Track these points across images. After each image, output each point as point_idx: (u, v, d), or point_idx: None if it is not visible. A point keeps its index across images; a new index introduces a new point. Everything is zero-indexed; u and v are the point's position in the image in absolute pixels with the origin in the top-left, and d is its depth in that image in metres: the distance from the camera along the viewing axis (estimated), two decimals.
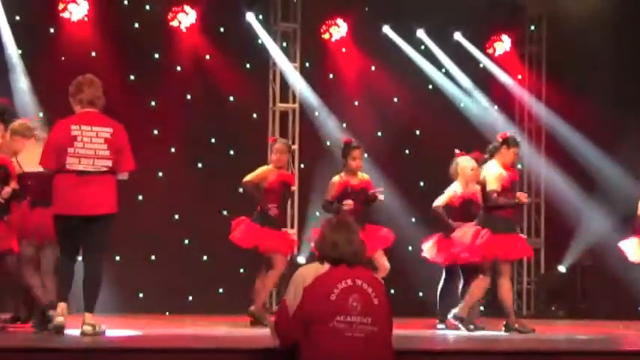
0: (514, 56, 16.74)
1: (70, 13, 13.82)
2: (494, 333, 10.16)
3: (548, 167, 16.30)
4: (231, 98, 14.80)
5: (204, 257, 14.43)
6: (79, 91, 8.22)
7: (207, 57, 14.72)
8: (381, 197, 10.74)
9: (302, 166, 14.87)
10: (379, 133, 15.34)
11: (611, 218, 15.28)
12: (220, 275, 14.22)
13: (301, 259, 13.82)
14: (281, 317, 6.11)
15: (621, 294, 14.37)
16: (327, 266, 6.04)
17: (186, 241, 14.38)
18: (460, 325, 10.20)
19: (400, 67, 15.59)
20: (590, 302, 15.48)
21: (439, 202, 10.97)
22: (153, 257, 14.10)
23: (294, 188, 13.61)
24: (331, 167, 13.32)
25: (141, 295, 13.93)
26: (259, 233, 10.65)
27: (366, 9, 15.69)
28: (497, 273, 10.21)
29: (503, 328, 10.18)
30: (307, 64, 15.33)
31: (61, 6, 13.82)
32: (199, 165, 14.60)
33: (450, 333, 10.14)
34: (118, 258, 13.29)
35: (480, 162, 10.60)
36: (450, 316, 10.37)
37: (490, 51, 16.59)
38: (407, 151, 15.93)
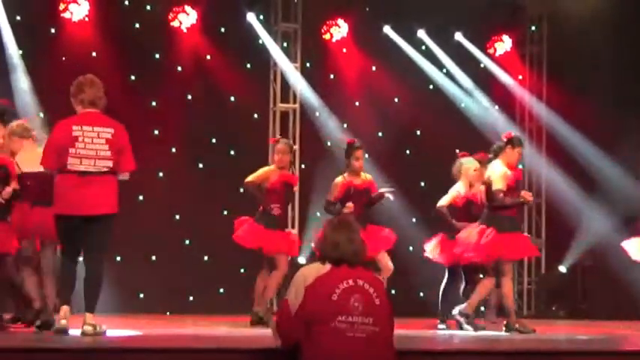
0: (515, 56, 16.74)
1: (71, 13, 13.82)
2: (495, 333, 10.17)
3: (548, 167, 16.30)
4: (232, 98, 14.80)
5: (205, 257, 14.44)
6: (80, 91, 8.23)
7: (208, 57, 14.72)
8: (390, 197, 10.73)
9: (303, 166, 14.87)
10: (380, 134, 15.34)
11: (611, 218, 15.28)
12: (221, 275, 14.22)
13: (302, 260, 13.82)
14: (282, 317, 6.11)
15: (622, 294, 14.36)
16: (328, 266, 6.05)
17: (187, 242, 14.39)
18: (464, 322, 10.21)
19: (401, 67, 15.60)
20: (591, 302, 15.47)
21: (443, 202, 10.97)
22: (153, 257, 14.11)
23: (295, 189, 13.61)
24: (332, 168, 13.33)
25: (141, 295, 13.94)
26: (263, 234, 10.65)
27: (367, 9, 15.69)
28: (499, 273, 10.21)
29: (504, 328, 10.18)
30: (308, 65, 15.34)
31: (61, 6, 13.83)
32: (200, 165, 14.60)
33: (451, 333, 10.15)
34: (118, 258, 13.30)
35: (484, 162, 10.59)
36: (454, 312, 10.39)
37: (491, 51, 16.60)
38: (407, 152, 15.94)
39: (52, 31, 13.87)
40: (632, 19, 15.43)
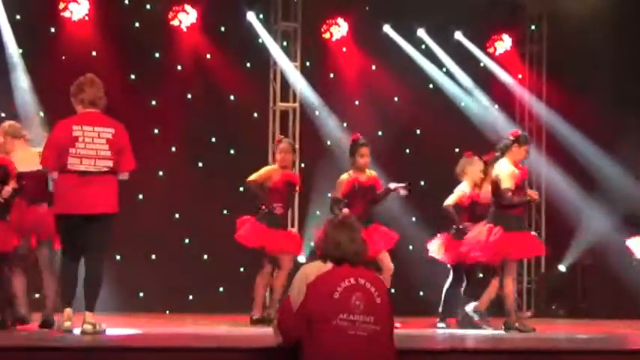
0: (514, 55, 16.74)
1: (71, 12, 13.81)
2: (495, 332, 10.16)
3: (548, 166, 16.29)
4: (232, 97, 14.80)
5: (205, 256, 14.44)
6: (80, 91, 8.24)
7: (208, 56, 14.72)
8: (404, 193, 10.70)
9: (302, 165, 14.87)
10: (380, 133, 15.33)
11: (611, 217, 15.28)
12: (221, 274, 14.22)
13: (301, 259, 13.82)
14: (284, 314, 6.12)
15: (622, 293, 14.36)
16: (329, 265, 6.06)
17: (187, 240, 14.39)
18: (479, 320, 10.21)
19: (401, 66, 15.59)
20: (591, 301, 15.47)
21: (449, 201, 10.96)
22: (153, 256, 14.11)
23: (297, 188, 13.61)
24: (332, 166, 13.36)
25: (141, 294, 13.93)
26: (266, 233, 10.66)
27: (367, 8, 15.69)
28: (503, 272, 10.18)
29: (503, 327, 10.18)
30: (308, 64, 15.33)
31: (61, 5, 13.82)
32: (200, 164, 14.60)
33: (451, 332, 10.15)
34: (118, 257, 13.29)
35: (491, 162, 10.56)
36: (468, 309, 10.39)
37: (490, 50, 16.59)
38: (407, 151, 15.93)
39: (52, 30, 13.87)
40: (632, 18, 15.43)
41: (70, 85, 8.33)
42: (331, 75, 15.60)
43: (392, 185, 10.67)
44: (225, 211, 13.92)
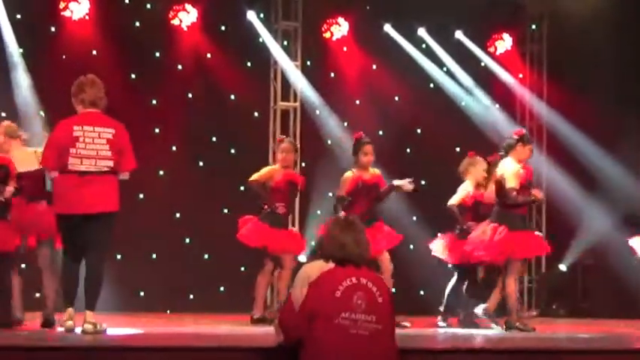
0: (515, 55, 16.74)
1: (71, 11, 13.81)
2: (495, 331, 10.16)
3: (549, 166, 16.29)
4: (232, 97, 14.80)
5: (206, 255, 14.43)
6: (80, 91, 8.24)
7: (209, 55, 14.72)
8: (409, 187, 10.68)
9: (303, 164, 14.87)
10: (380, 132, 15.32)
11: (612, 217, 15.28)
12: (221, 273, 14.21)
13: (302, 258, 13.81)
14: (285, 313, 6.11)
15: (622, 292, 14.37)
16: (331, 264, 6.06)
17: (187, 240, 14.38)
18: (490, 320, 10.21)
19: (401, 65, 15.60)
20: (592, 301, 15.48)
21: (454, 201, 10.95)
22: (154, 256, 14.10)
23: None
24: (332, 166, 13.36)
25: (142, 293, 13.93)
26: (269, 233, 10.66)
27: (367, 7, 15.69)
28: (506, 271, 10.17)
29: (504, 326, 10.17)
30: (308, 63, 15.33)
31: (62, 5, 13.81)
32: (200, 163, 14.60)
33: (452, 331, 10.14)
34: (119, 256, 13.29)
35: (495, 163, 10.53)
36: (478, 311, 10.38)
37: (491, 50, 16.60)
38: (408, 150, 15.93)
39: (53, 29, 13.86)
40: (633, 18, 15.43)
41: (70, 84, 8.33)
42: (332, 74, 15.60)
43: (396, 182, 10.67)
44: (225, 211, 13.92)
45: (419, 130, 15.97)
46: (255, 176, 10.84)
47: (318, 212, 14.21)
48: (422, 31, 16.03)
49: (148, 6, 14.43)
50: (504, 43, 16.61)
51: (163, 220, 14.00)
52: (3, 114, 12.04)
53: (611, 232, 14.78)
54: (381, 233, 10.48)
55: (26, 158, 9.04)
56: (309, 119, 15.17)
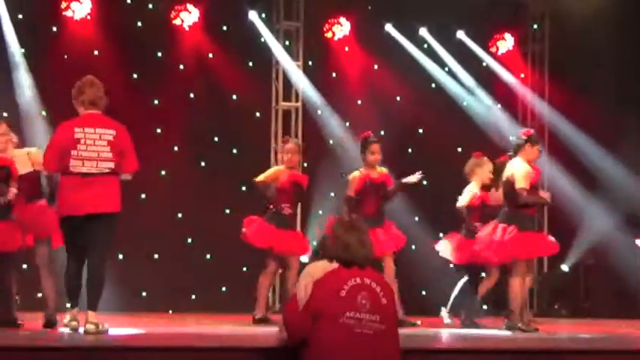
0: (517, 55, 16.73)
1: (73, 11, 13.80)
2: (497, 332, 10.15)
3: (550, 166, 16.28)
4: (234, 97, 14.80)
5: (208, 255, 14.43)
6: (80, 92, 8.27)
7: (210, 55, 14.72)
8: (413, 179, 10.67)
9: (305, 164, 14.86)
10: (382, 132, 15.28)
11: (613, 217, 15.27)
12: (223, 274, 14.21)
13: (304, 258, 13.82)
14: (290, 313, 6.11)
15: (624, 293, 14.37)
16: (335, 264, 6.07)
17: (189, 240, 14.38)
18: (510, 324, 10.19)
19: (403, 65, 15.59)
20: (593, 301, 15.47)
21: (462, 202, 10.96)
22: (156, 256, 14.10)
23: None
24: (334, 166, 13.36)
25: (144, 293, 13.93)
26: (275, 234, 10.68)
27: (369, 7, 15.68)
28: (511, 271, 10.13)
29: (505, 326, 10.14)
30: (310, 63, 15.33)
31: (63, 4, 13.81)
32: (202, 163, 14.60)
33: (454, 331, 10.14)
34: (121, 256, 13.30)
35: (504, 163, 10.49)
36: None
37: (493, 49, 16.58)
38: (410, 150, 15.92)
39: (54, 29, 13.86)
40: (635, 17, 15.42)
41: (72, 84, 8.35)
42: (333, 74, 15.59)
43: (404, 180, 10.68)
44: (227, 211, 13.93)
45: (420, 130, 15.97)
46: (261, 177, 10.86)
47: (320, 212, 14.21)
48: (423, 31, 16.02)
49: (150, 6, 14.43)
50: (506, 42, 16.59)
51: (165, 220, 14.00)
52: (5, 114, 12.05)
53: (613, 232, 14.78)
54: (389, 234, 10.49)
55: (20, 160, 9.07)
56: (310, 119, 15.17)
